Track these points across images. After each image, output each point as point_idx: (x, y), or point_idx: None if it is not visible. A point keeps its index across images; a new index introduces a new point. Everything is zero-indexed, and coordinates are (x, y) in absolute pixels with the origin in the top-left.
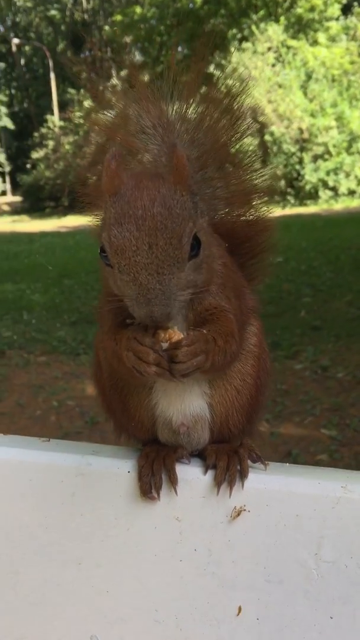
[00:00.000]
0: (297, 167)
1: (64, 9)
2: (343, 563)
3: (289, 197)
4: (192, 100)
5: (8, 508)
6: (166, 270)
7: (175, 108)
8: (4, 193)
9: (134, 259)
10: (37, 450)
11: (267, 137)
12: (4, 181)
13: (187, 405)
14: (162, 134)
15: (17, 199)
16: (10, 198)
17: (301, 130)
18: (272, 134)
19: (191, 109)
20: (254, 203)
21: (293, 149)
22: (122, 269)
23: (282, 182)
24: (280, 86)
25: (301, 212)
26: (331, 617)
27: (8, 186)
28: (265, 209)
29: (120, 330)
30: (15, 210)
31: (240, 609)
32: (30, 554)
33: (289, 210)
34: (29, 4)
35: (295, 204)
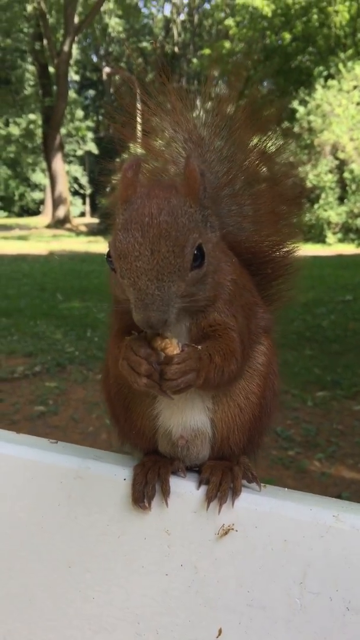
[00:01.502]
0: None
1: (156, 40)
2: (328, 596)
3: None
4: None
5: (8, 503)
6: (166, 277)
7: (208, 124)
8: (82, 214)
9: (135, 264)
10: (42, 450)
11: (347, 175)
12: (84, 203)
13: (188, 419)
14: (192, 148)
15: (95, 220)
16: (88, 219)
17: None
18: (351, 171)
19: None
20: (283, 224)
21: None
22: (124, 274)
23: (359, 221)
24: None
25: None
26: None
27: (87, 208)
28: (294, 233)
29: (124, 336)
30: (92, 232)
31: (220, 631)
32: (25, 552)
33: None
34: (122, 35)
35: None
